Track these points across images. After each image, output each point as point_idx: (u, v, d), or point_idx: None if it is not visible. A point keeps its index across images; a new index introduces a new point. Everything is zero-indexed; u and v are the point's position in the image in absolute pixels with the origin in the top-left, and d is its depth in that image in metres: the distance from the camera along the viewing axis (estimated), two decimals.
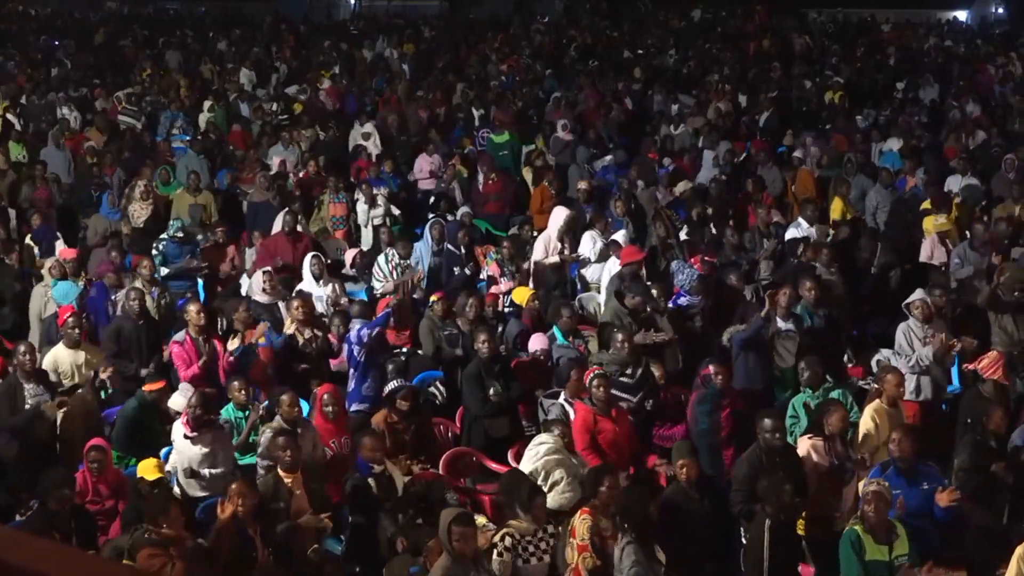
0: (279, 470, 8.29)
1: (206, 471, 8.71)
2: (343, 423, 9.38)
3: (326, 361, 10.64)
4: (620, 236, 13.04)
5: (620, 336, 9.91)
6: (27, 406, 9.20)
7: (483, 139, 18.92)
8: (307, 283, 12.15)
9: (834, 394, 9.26)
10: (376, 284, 12.72)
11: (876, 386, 9.25)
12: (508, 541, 7.32)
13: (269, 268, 12.10)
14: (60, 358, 10.10)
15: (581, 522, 7.53)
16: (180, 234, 13.10)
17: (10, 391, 9.30)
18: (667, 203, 15.25)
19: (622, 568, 7.20)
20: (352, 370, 10.27)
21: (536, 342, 10.66)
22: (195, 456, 8.71)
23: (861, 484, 8.34)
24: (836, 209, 14.68)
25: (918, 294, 10.44)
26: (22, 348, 9.58)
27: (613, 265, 12.45)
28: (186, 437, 8.72)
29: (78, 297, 11.44)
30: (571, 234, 13.31)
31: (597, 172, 17.22)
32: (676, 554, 7.58)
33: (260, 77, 25.10)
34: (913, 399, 9.87)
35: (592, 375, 9.07)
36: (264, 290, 11.68)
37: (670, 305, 11.34)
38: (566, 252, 13.10)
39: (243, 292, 12.68)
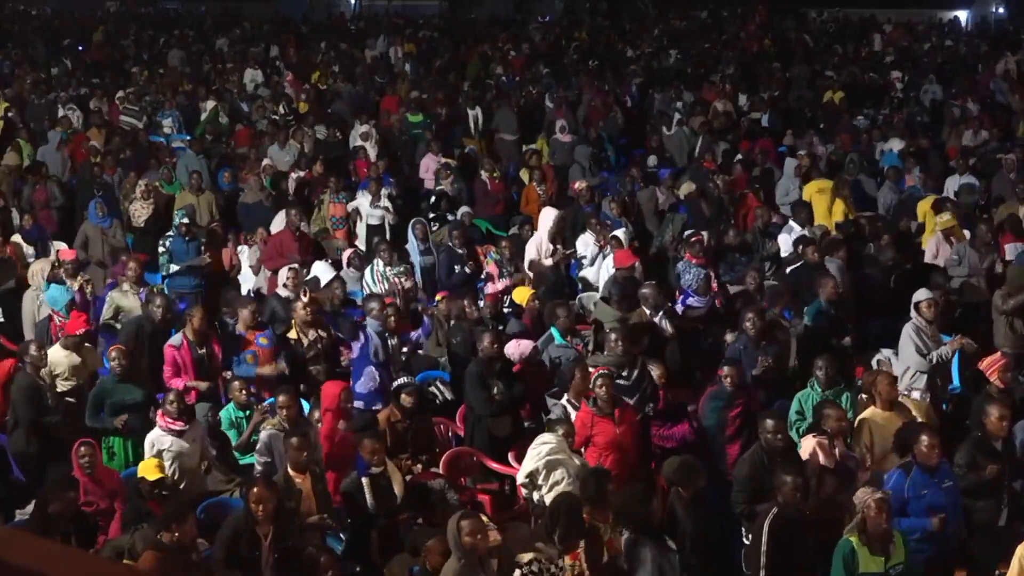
0: (289, 469, 8.26)
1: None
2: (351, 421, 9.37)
3: (330, 362, 10.60)
4: (620, 233, 13.03)
5: (614, 336, 9.73)
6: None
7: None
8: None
9: (843, 397, 9.22)
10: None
11: (863, 395, 9.13)
12: (536, 567, 7.20)
13: (295, 265, 12.09)
14: (56, 360, 10.07)
15: None
16: (186, 220, 12.97)
17: (31, 389, 9.37)
18: (670, 204, 15.24)
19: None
20: (354, 368, 10.25)
21: (513, 347, 10.14)
22: (180, 451, 8.72)
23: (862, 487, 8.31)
24: (837, 210, 14.63)
25: (925, 294, 10.39)
26: (33, 347, 9.65)
27: (610, 264, 12.42)
28: (171, 432, 8.71)
29: (68, 303, 11.18)
30: (563, 234, 13.28)
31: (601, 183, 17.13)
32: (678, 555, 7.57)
33: (263, 76, 25.09)
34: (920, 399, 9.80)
35: (596, 375, 8.92)
36: (286, 286, 11.64)
37: (677, 306, 11.31)
38: (559, 251, 13.06)
39: (243, 292, 12.66)
